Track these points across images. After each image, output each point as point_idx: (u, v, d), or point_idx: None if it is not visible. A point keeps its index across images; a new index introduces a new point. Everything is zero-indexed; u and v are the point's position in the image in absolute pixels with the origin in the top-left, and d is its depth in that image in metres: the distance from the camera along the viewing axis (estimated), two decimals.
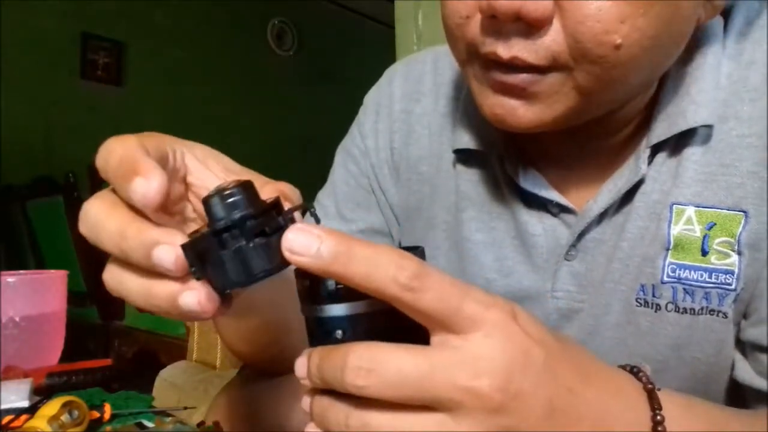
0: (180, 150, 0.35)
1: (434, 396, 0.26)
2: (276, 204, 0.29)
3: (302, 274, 0.29)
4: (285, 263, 0.27)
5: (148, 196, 0.28)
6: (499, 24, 0.38)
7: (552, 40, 0.37)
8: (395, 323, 0.28)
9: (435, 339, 0.27)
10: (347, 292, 0.28)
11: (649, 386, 0.33)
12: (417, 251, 0.29)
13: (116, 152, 0.30)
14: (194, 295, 0.28)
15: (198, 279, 0.28)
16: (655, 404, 0.32)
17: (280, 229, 0.27)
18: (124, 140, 0.30)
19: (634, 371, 0.34)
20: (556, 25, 0.37)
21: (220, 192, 0.28)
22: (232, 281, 0.28)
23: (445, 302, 0.26)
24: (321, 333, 0.29)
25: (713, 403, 0.37)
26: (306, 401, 0.29)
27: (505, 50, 0.38)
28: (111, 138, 0.31)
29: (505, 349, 0.27)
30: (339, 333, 0.28)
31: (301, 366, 0.29)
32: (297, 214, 0.30)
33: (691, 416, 0.34)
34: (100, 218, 0.30)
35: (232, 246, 0.28)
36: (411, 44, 1.57)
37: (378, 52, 2.69)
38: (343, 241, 0.26)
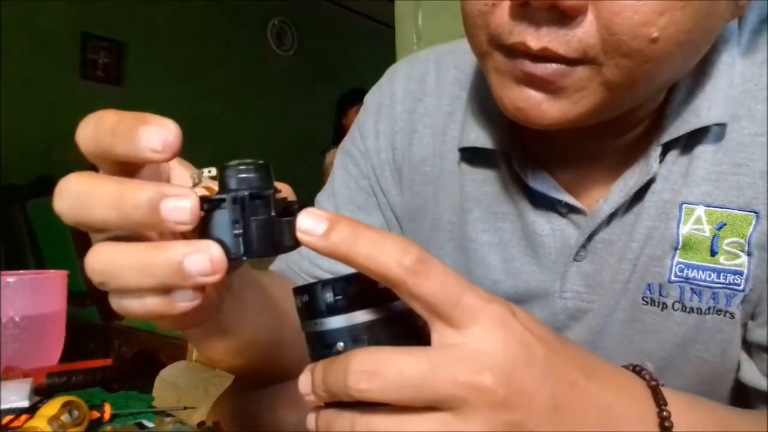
0: None
1: (437, 394, 0.26)
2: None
3: (300, 290, 0.29)
4: (295, 244, 0.27)
5: (169, 140, 0.25)
6: (530, 12, 0.36)
7: (584, 32, 0.36)
8: (395, 332, 0.29)
9: (435, 337, 0.27)
10: (345, 304, 0.28)
11: (653, 383, 0.33)
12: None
13: (110, 114, 0.26)
14: (203, 256, 0.25)
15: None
16: (660, 400, 0.32)
17: (290, 212, 0.28)
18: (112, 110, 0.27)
19: (637, 369, 0.34)
20: (589, 17, 0.35)
21: (249, 162, 0.27)
22: (253, 250, 0.27)
23: (446, 291, 0.26)
24: (322, 347, 0.29)
25: (716, 402, 0.37)
26: (311, 419, 0.29)
27: (535, 40, 0.36)
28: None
29: (506, 344, 0.27)
30: (340, 345, 0.28)
31: (304, 382, 0.29)
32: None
33: (695, 413, 0.34)
34: (87, 187, 0.26)
35: (260, 215, 0.27)
36: (411, 44, 1.57)
37: (378, 52, 2.69)
38: (350, 223, 0.26)
